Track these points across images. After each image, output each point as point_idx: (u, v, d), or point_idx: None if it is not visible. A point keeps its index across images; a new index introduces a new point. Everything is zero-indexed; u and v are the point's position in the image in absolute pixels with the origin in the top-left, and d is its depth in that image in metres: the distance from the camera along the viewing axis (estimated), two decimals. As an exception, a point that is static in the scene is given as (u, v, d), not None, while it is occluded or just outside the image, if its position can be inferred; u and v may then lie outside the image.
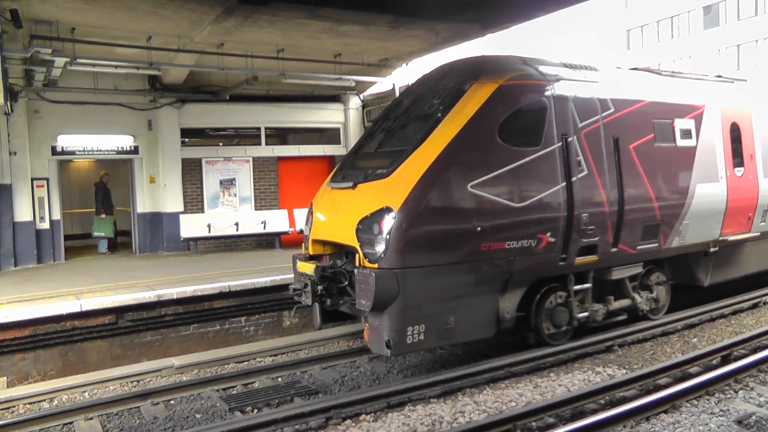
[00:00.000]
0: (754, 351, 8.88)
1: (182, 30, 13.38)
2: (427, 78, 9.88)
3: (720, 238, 11.21)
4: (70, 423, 7.71)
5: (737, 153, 11.54)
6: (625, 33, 52.12)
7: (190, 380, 8.95)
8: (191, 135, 18.43)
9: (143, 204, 17.96)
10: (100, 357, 10.82)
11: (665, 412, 7.00)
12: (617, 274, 9.94)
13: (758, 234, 11.99)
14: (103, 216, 18.24)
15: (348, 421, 7.19)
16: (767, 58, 40.05)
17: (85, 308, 10.57)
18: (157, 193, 17.95)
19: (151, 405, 8.20)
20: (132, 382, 9.29)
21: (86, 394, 8.90)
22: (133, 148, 17.70)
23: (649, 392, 7.53)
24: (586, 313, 9.63)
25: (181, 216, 17.36)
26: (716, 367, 8.26)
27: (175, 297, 11.33)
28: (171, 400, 8.38)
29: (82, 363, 10.60)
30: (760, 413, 6.88)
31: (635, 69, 11.56)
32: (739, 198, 11.39)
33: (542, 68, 9.27)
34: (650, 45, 49.56)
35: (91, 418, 7.78)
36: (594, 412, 7.02)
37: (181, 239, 17.23)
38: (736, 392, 7.58)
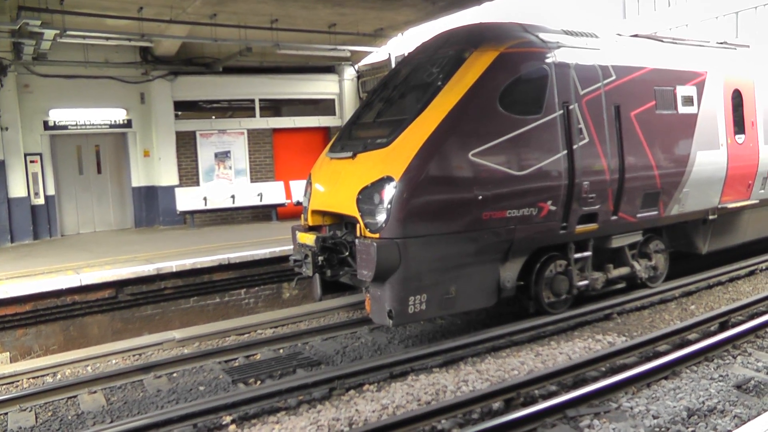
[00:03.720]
0: (752, 317, 8.91)
1: (174, 0, 13.18)
2: (425, 46, 9.77)
3: (719, 206, 11.22)
4: (75, 396, 7.71)
5: (738, 120, 11.50)
6: (621, 1, 51.73)
7: (191, 353, 8.94)
8: (185, 108, 18.28)
9: (138, 178, 17.84)
10: (101, 331, 10.81)
11: (665, 378, 7.05)
12: (617, 242, 9.96)
13: (757, 201, 11.99)
14: None
15: (352, 392, 7.22)
16: (766, 24, 39.84)
17: (84, 282, 10.54)
18: (151, 166, 17.83)
19: (154, 378, 8.21)
20: (134, 355, 9.30)
21: (89, 368, 8.90)
22: (126, 122, 17.54)
23: (649, 359, 7.57)
24: (585, 282, 9.66)
25: (176, 189, 17.32)
26: (714, 333, 8.32)
27: (174, 270, 11.30)
28: (174, 372, 8.39)
29: (83, 337, 10.59)
30: (758, 378, 6.95)
31: (636, 36, 11.47)
32: (740, 165, 11.37)
33: (543, 35, 9.18)
34: (647, 13, 49.19)
35: (95, 392, 7.78)
36: (595, 379, 7.06)
37: (178, 213, 17.22)
38: (735, 358, 7.64)
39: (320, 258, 8.36)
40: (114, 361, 9.09)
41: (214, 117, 18.88)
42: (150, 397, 7.63)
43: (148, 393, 7.78)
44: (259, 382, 7.89)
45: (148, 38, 14.72)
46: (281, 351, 9.06)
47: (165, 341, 9.60)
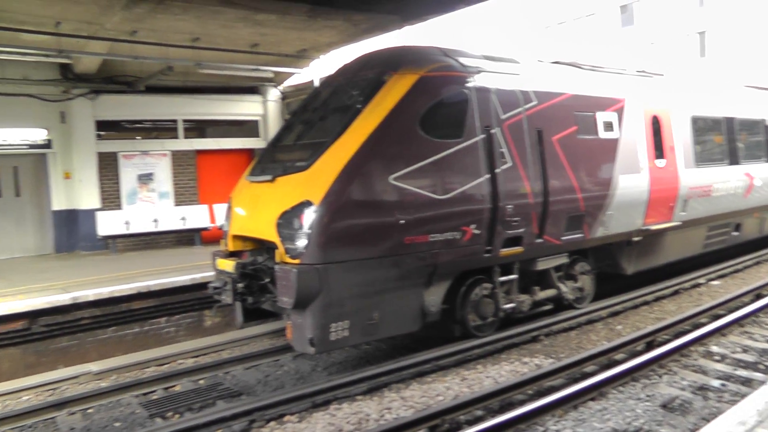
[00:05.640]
0: (677, 336, 9.04)
1: (92, 16, 12.81)
2: (345, 69, 9.68)
3: (643, 228, 11.40)
4: (-23, 438, 7.28)
5: (658, 145, 11.75)
6: (544, 29, 53.04)
7: (108, 386, 8.57)
8: (107, 128, 17.74)
9: (59, 201, 17.18)
10: (12, 366, 10.22)
11: (593, 399, 7.06)
12: (542, 265, 9.98)
13: (679, 223, 12.25)
14: None
15: (272, 423, 7.02)
16: (680, 54, 41.55)
17: (-6, 313, 10.01)
18: (72, 189, 17.20)
19: (68, 415, 7.82)
20: (47, 391, 8.84)
21: (-3, 406, 8.43)
22: (46, 142, 16.92)
23: (576, 381, 7.56)
24: (512, 304, 9.64)
25: (98, 213, 16.75)
26: (641, 353, 8.38)
27: (91, 299, 10.88)
28: (89, 408, 8.01)
29: (-8, 373, 10.01)
30: (683, 396, 7.06)
31: (557, 62, 11.63)
32: (661, 188, 11.61)
33: (463, 60, 9.18)
34: (569, 41, 50.56)
35: (1, 432, 7.35)
36: (522, 402, 7.01)
37: (99, 237, 16.62)
38: (661, 377, 7.73)
39: (240, 285, 8.14)
40: (25, 398, 8.62)
41: (137, 137, 18.39)
42: (61, 436, 7.25)
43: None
44: (177, 416, 7.62)
45: (66, 54, 14.25)
46: (201, 382, 8.76)
47: (81, 374, 9.19)
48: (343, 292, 7.66)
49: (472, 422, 6.61)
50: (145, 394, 8.39)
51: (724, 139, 13.75)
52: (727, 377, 7.68)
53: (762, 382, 7.33)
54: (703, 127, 13.14)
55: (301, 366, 9.13)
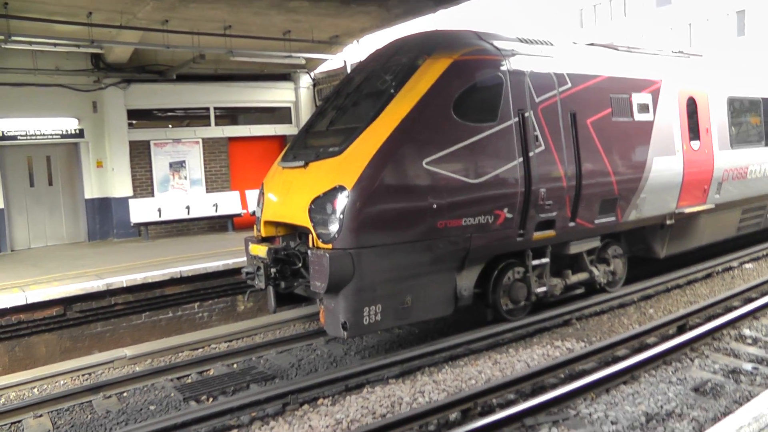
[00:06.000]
0: (709, 320, 9.00)
1: (124, 5, 12.88)
2: (379, 54, 9.66)
3: (676, 211, 11.29)
4: (19, 421, 7.44)
5: (693, 127, 11.60)
6: (578, 12, 52.47)
7: (143, 371, 8.71)
8: (138, 116, 17.84)
9: (91, 189, 17.35)
10: (49, 351, 10.40)
11: (624, 383, 7.03)
12: (575, 249, 9.93)
13: (713, 206, 12.11)
14: None
15: (306, 406, 7.07)
16: (717, 35, 40.76)
17: (30, 300, 10.13)
18: (104, 177, 17.36)
19: (104, 398, 7.96)
20: (83, 375, 9.01)
21: (35, 390, 8.60)
22: (78, 132, 17.05)
23: (607, 364, 7.56)
24: (544, 288, 9.61)
25: (130, 201, 16.89)
26: (672, 336, 8.35)
27: (125, 285, 10.95)
28: (124, 392, 8.15)
29: (29, 358, 10.16)
30: (715, 380, 7.01)
31: (592, 44, 11.51)
32: (695, 171, 11.47)
33: (497, 43, 9.12)
34: (603, 23, 49.99)
35: (41, 416, 7.52)
36: (554, 386, 7.00)
37: (132, 225, 16.78)
38: (692, 361, 7.69)
39: (273, 270, 8.20)
40: (62, 382, 8.79)
41: (169, 126, 18.50)
42: (99, 419, 7.39)
43: (96, 415, 7.53)
44: (211, 399, 7.71)
45: (98, 44, 14.28)
46: (235, 366, 8.87)
47: (116, 359, 9.35)
48: (375, 277, 7.68)
49: (504, 406, 6.62)
50: (179, 378, 8.52)
51: (761, 121, 13.52)
52: (760, 360, 7.63)
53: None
54: (739, 109, 12.95)
55: (334, 350, 9.19)
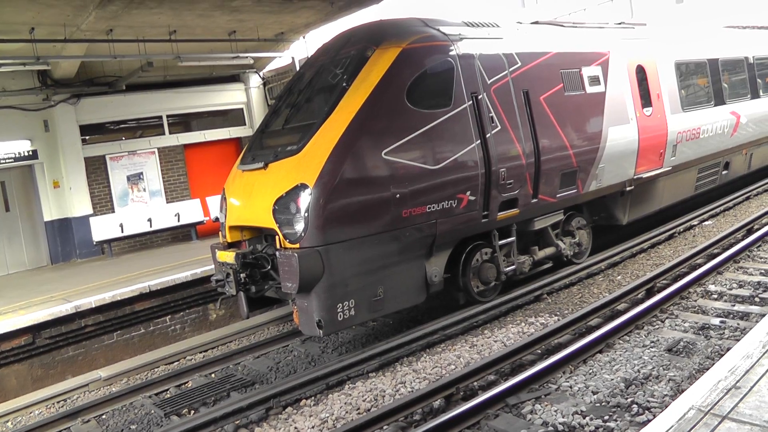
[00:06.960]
0: (675, 280, 9.17)
1: (67, 18, 12.59)
2: (327, 47, 9.60)
3: (635, 177, 11.45)
4: (-5, 457, 7.30)
5: (645, 94, 11.75)
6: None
7: (120, 390, 8.56)
8: (91, 131, 17.50)
9: (50, 211, 16.98)
10: (20, 381, 10.18)
11: (600, 352, 7.14)
12: (539, 224, 10.02)
13: (670, 168, 12.31)
14: None
15: (289, 409, 7.06)
16: (657, 5, 41.31)
17: (-5, 331, 9.94)
18: (62, 197, 17.01)
19: (82, 423, 7.82)
20: (58, 402, 8.84)
21: (9, 423, 8.40)
22: (31, 153, 16.68)
23: (582, 335, 7.68)
24: (512, 266, 9.69)
25: (91, 219, 16.61)
26: (642, 301, 8.52)
27: (93, 305, 10.78)
28: (102, 414, 8.03)
29: (0, 391, 9.96)
30: (686, 338, 7.18)
31: (537, 23, 11.59)
32: (650, 137, 11.64)
33: (444, 29, 9.12)
34: (545, 1, 50.28)
35: (17, 448, 7.37)
36: (533, 363, 7.07)
37: (94, 243, 16.53)
38: (663, 322, 7.86)
39: (242, 275, 8.14)
40: (37, 412, 8.62)
41: (123, 138, 18.17)
42: (78, 444, 7.27)
43: (76, 440, 7.40)
44: (193, 412, 7.63)
45: (44, 60, 13.94)
46: (213, 376, 8.80)
47: (90, 382, 9.18)
48: (346, 272, 7.67)
49: (485, 387, 6.67)
50: (157, 394, 8.40)
51: (708, 81, 13.76)
52: (726, 314, 7.83)
53: (759, 315, 7.53)
54: (686, 72, 13.17)
55: (311, 349, 9.16)
